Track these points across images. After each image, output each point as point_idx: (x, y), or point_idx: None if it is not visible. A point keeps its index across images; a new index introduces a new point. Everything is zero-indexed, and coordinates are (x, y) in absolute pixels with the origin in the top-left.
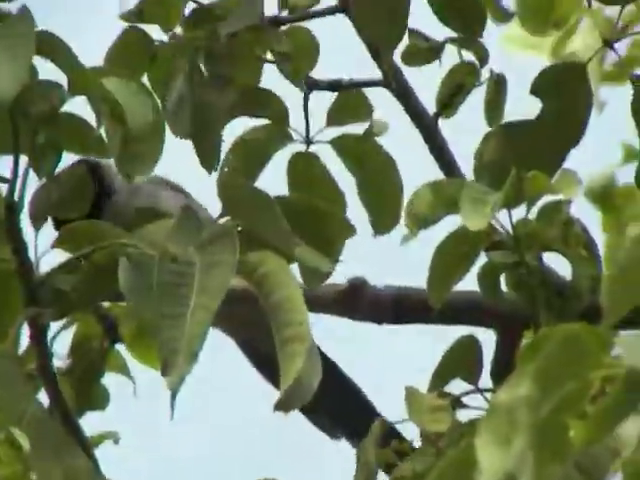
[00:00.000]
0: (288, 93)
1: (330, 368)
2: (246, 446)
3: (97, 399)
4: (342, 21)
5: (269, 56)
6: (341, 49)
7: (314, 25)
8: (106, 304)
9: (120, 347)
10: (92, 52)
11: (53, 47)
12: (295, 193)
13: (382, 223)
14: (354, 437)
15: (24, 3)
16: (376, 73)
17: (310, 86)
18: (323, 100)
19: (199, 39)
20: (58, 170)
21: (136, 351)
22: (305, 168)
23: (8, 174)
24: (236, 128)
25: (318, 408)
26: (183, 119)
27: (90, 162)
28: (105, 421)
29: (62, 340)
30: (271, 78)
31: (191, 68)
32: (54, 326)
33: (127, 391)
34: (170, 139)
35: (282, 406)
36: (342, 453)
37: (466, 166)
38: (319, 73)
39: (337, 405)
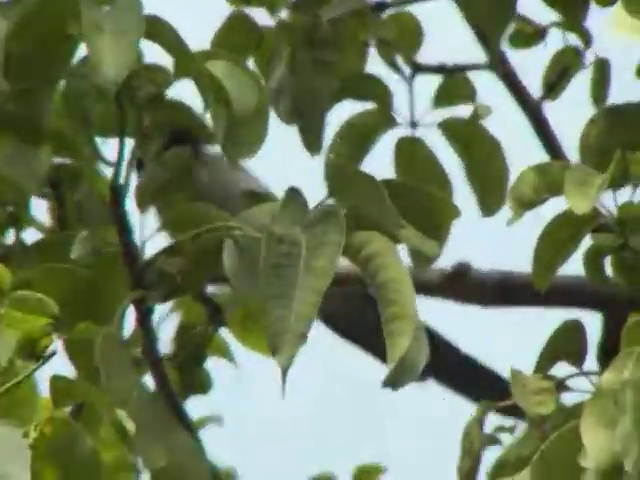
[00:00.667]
0: (393, 76)
1: None
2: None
3: (200, 383)
4: (446, 4)
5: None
6: (446, 32)
7: (418, 9)
8: (211, 288)
9: (224, 332)
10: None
11: (160, 30)
12: (402, 176)
13: (488, 205)
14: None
15: None
16: (480, 56)
17: (415, 70)
18: (428, 84)
19: (304, 23)
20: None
21: (241, 335)
22: (411, 151)
23: (114, 157)
24: (341, 112)
25: None
26: (284, 105)
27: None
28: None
29: (166, 327)
30: (376, 61)
31: (294, 53)
32: (160, 311)
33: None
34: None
35: (390, 383)
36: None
37: (571, 148)
38: (424, 57)
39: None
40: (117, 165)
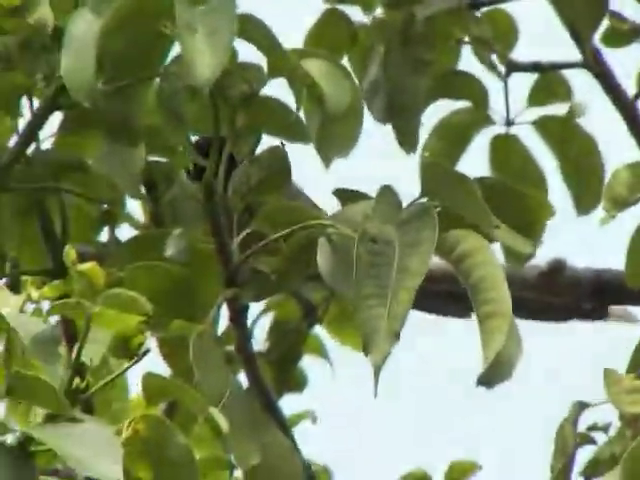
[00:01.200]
0: (487, 74)
1: None
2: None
3: (295, 381)
4: (541, 3)
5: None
6: (540, 31)
7: (513, 7)
8: (305, 286)
9: (318, 330)
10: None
11: (253, 29)
12: (496, 175)
13: (584, 203)
14: None
15: None
16: (574, 54)
17: (510, 68)
18: (522, 82)
19: (398, 21)
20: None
21: (336, 333)
22: (506, 150)
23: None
24: (435, 111)
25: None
26: (379, 103)
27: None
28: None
29: (261, 324)
30: (471, 59)
31: (388, 51)
32: (254, 310)
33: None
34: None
35: (484, 381)
36: None
37: None
38: (518, 55)
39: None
40: (211, 163)
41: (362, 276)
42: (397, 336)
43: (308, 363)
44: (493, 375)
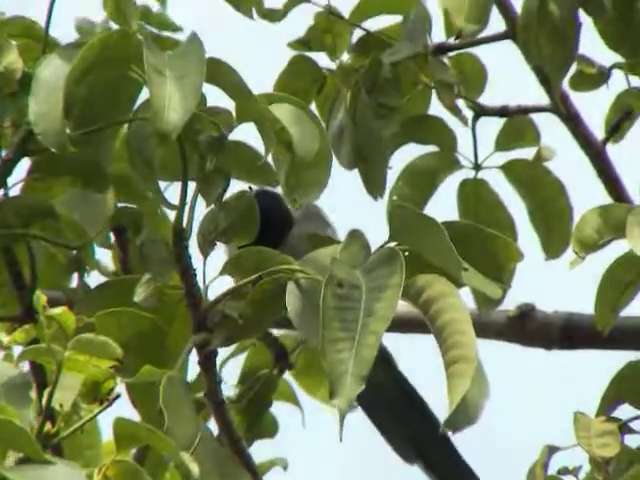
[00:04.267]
0: (455, 119)
1: (412, 394)
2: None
3: (266, 428)
4: (509, 47)
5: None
6: (507, 75)
7: (480, 51)
8: (276, 332)
9: (288, 377)
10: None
11: (222, 74)
12: (465, 219)
13: (552, 247)
14: (429, 467)
15: (194, 31)
16: (542, 99)
17: (477, 112)
18: (491, 126)
19: (364, 67)
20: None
21: (303, 382)
22: (474, 194)
23: (176, 201)
24: (404, 155)
25: (397, 431)
26: (346, 149)
27: (272, 193)
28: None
29: (231, 369)
30: (438, 104)
31: (354, 97)
32: (222, 352)
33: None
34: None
35: (450, 426)
36: None
37: (634, 190)
38: (486, 99)
39: (416, 431)
40: (180, 209)
41: (329, 320)
42: (363, 380)
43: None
44: (459, 420)
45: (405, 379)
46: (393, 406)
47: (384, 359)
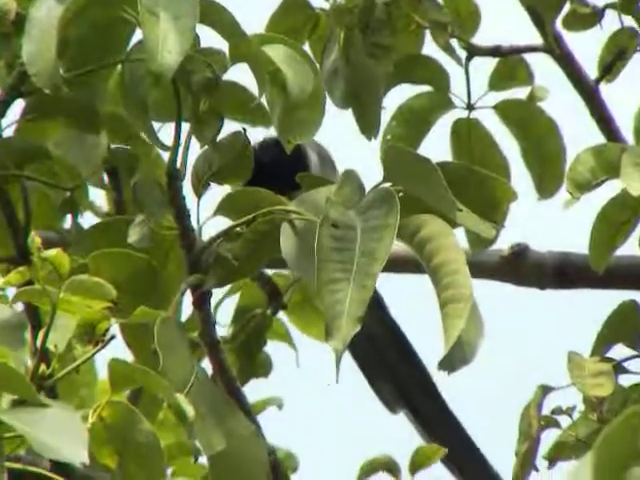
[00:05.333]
0: (448, 59)
1: (401, 341)
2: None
3: (260, 367)
4: None
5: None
6: (501, 15)
7: None
8: (269, 272)
9: (282, 315)
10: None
11: (215, 15)
12: (458, 159)
13: (546, 187)
14: (414, 414)
15: None
16: (535, 39)
17: (471, 52)
18: (484, 66)
19: (357, 7)
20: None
21: (297, 320)
22: (467, 134)
23: (170, 142)
24: (397, 95)
25: (382, 378)
26: (339, 89)
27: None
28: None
29: (225, 308)
30: (432, 44)
31: (347, 37)
32: (217, 293)
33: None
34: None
35: (445, 366)
36: None
37: (628, 130)
38: (479, 39)
39: (401, 379)
40: (174, 150)
41: (324, 261)
42: (359, 321)
43: (273, 348)
44: (454, 359)
45: (396, 324)
46: (381, 351)
47: (375, 303)
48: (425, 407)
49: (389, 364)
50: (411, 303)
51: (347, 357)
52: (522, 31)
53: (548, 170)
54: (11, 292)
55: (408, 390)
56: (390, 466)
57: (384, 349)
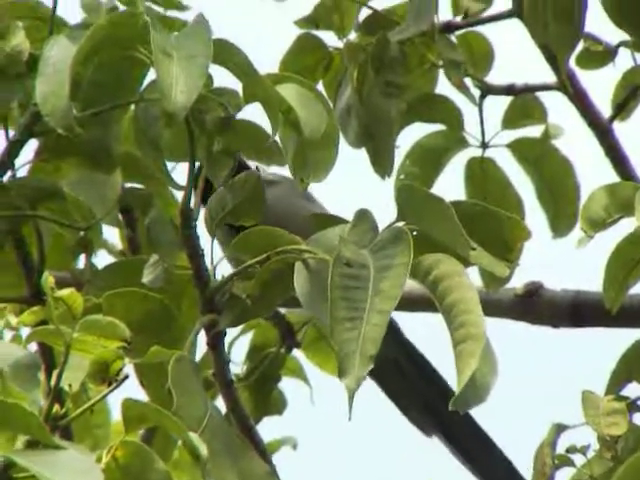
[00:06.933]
0: (463, 97)
1: (423, 363)
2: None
3: (274, 404)
4: (515, 25)
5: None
6: (514, 53)
7: (487, 29)
8: (283, 310)
9: (296, 353)
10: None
11: (228, 54)
12: (472, 197)
13: (560, 225)
14: (448, 438)
15: (200, 12)
16: (549, 77)
17: (484, 91)
18: (498, 105)
19: (372, 46)
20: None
21: (312, 357)
22: (482, 172)
23: (184, 181)
24: (411, 134)
25: (412, 401)
26: (353, 128)
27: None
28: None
29: (239, 346)
30: (446, 83)
31: (361, 76)
32: (231, 332)
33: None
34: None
35: (459, 405)
36: None
37: None
38: (493, 77)
39: (431, 400)
40: (187, 189)
41: (337, 299)
42: (372, 359)
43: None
44: (468, 399)
45: (414, 347)
46: (405, 376)
47: (391, 329)
48: (457, 428)
49: (414, 387)
50: (426, 342)
51: (360, 394)
52: (536, 70)
53: (562, 208)
54: (25, 332)
55: (438, 411)
56: None
57: (407, 372)
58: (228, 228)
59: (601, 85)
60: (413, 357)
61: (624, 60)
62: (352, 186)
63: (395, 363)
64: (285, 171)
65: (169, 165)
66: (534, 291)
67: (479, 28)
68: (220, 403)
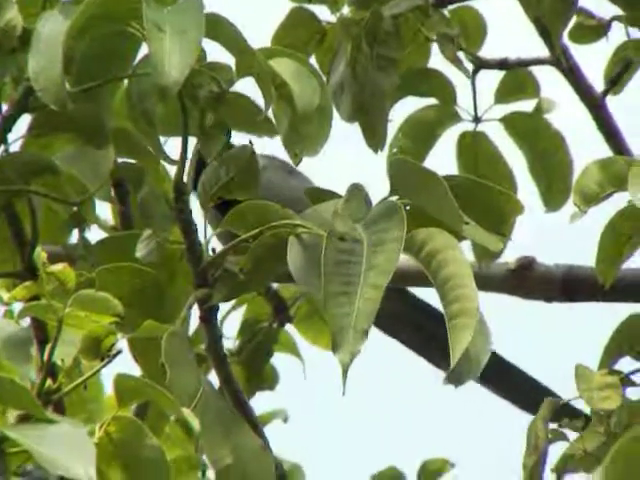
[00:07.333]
0: (455, 72)
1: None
2: (414, 421)
3: (267, 379)
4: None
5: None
6: (507, 27)
7: (480, 4)
8: (275, 285)
9: (289, 327)
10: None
11: (221, 29)
12: (464, 171)
13: (553, 200)
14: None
15: None
16: (542, 51)
17: (477, 65)
18: (490, 79)
19: (365, 20)
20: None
21: (305, 331)
22: (474, 146)
23: (177, 156)
24: (403, 108)
25: (430, 348)
26: (346, 102)
27: None
28: (275, 400)
29: (231, 321)
30: (439, 57)
31: (354, 50)
32: (223, 307)
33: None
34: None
35: (452, 379)
36: None
37: (634, 143)
38: (486, 52)
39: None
40: (180, 164)
41: (330, 274)
42: (366, 334)
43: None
44: (461, 373)
45: (425, 303)
46: (419, 328)
47: (398, 290)
48: None
49: (431, 335)
50: None
51: (353, 367)
52: (529, 44)
53: (555, 183)
54: (18, 307)
55: None
56: (397, 478)
57: (421, 324)
58: (215, 210)
59: (594, 59)
60: (426, 310)
61: (617, 34)
62: (345, 160)
63: (408, 318)
64: (277, 144)
65: (162, 139)
66: (527, 265)
67: (472, 2)
68: (213, 377)
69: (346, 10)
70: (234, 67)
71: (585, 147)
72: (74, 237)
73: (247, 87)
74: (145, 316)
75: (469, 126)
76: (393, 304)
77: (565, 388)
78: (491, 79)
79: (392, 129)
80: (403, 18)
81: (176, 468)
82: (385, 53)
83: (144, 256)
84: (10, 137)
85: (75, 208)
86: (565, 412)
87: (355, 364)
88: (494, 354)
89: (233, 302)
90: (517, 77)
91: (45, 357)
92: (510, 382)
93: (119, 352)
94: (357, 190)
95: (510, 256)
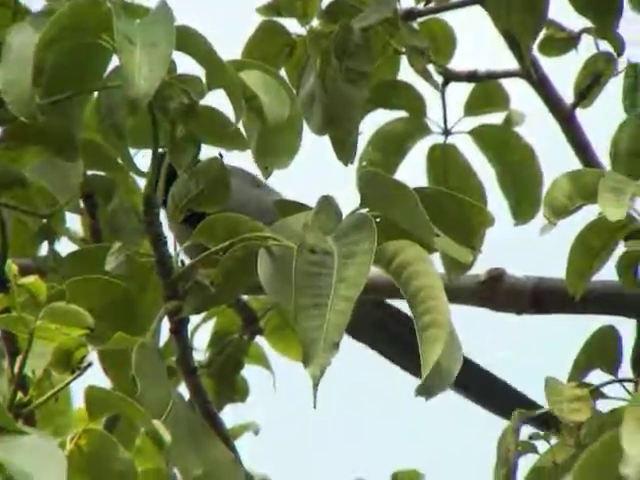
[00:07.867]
0: (425, 84)
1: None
2: (386, 431)
3: (237, 391)
4: (478, 11)
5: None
6: (476, 40)
7: (449, 16)
8: (245, 297)
9: (259, 339)
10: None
11: (192, 41)
12: (434, 184)
13: (522, 212)
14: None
15: None
16: (512, 64)
17: (447, 77)
18: (460, 91)
19: (334, 33)
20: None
21: (276, 343)
22: (444, 159)
23: (147, 168)
24: (373, 120)
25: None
26: (316, 114)
27: None
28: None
29: (202, 333)
30: (408, 70)
31: (324, 63)
32: (194, 319)
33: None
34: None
35: (423, 392)
36: None
37: (604, 156)
38: (455, 64)
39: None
40: (150, 176)
41: (301, 286)
42: (336, 346)
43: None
44: (432, 385)
45: (399, 311)
46: (396, 339)
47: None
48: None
49: (408, 345)
50: None
51: (324, 381)
52: (498, 56)
53: (525, 195)
54: None
55: None
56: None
57: (398, 334)
58: (183, 225)
59: (563, 72)
60: (401, 319)
61: (586, 47)
62: (315, 173)
63: (384, 327)
64: (247, 157)
65: (132, 152)
66: (497, 277)
67: (442, 15)
68: (183, 390)
69: (315, 23)
70: (204, 79)
71: (555, 160)
72: (44, 249)
73: (217, 100)
74: (116, 328)
75: (439, 139)
76: (371, 313)
77: (536, 400)
78: (461, 91)
79: (362, 142)
80: (372, 31)
81: None
82: (355, 66)
83: (114, 269)
84: None
85: (45, 220)
86: (537, 422)
87: (326, 375)
88: (468, 360)
89: (203, 314)
90: (487, 89)
91: (16, 369)
92: (485, 388)
93: (90, 364)
94: (327, 202)
95: (480, 268)
